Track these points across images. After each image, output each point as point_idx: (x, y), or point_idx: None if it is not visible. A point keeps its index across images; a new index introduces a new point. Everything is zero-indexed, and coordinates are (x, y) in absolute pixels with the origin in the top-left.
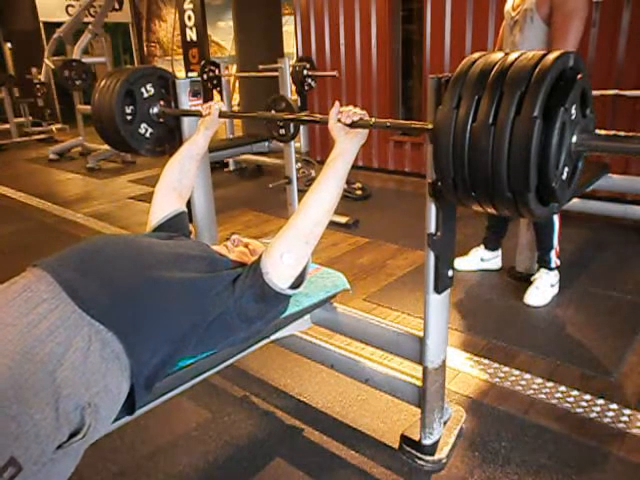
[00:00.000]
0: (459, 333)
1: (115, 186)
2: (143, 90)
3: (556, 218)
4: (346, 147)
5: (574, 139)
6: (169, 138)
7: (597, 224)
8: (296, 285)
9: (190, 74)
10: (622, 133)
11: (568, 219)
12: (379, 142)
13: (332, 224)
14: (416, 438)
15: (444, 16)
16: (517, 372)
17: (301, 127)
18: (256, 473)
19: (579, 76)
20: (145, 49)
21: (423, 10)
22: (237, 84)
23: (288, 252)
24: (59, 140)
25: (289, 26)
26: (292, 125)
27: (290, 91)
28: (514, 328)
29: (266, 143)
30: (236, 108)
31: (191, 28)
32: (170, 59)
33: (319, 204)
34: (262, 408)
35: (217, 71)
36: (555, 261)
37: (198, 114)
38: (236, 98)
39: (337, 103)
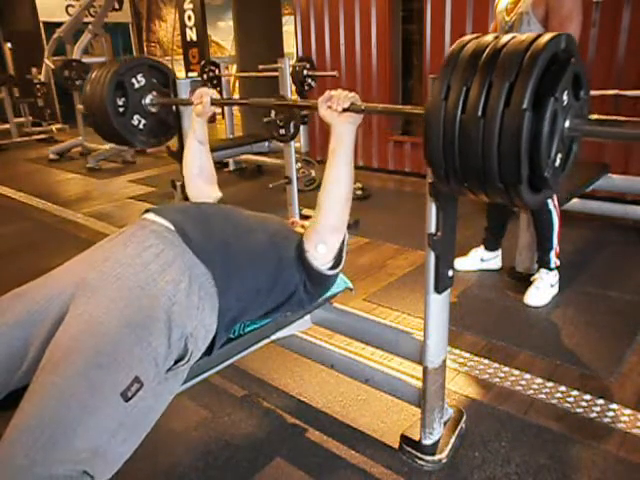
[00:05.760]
0: (459, 333)
1: (115, 186)
2: (134, 81)
3: (556, 218)
4: (342, 131)
5: (567, 124)
6: (163, 129)
7: (597, 224)
8: (334, 266)
9: (190, 74)
10: (618, 118)
11: (568, 219)
12: (379, 142)
13: None
14: (416, 438)
15: (444, 16)
16: (517, 372)
17: (301, 127)
18: (256, 473)
19: (572, 60)
20: (145, 49)
21: (423, 10)
22: (237, 84)
23: (322, 242)
24: (59, 140)
25: (289, 26)
26: (292, 125)
27: (290, 91)
28: (514, 328)
29: (266, 143)
30: (236, 108)
31: (191, 28)
32: (170, 59)
33: (336, 194)
34: (262, 408)
35: (217, 71)
36: (555, 261)
37: (189, 103)
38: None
39: (327, 91)
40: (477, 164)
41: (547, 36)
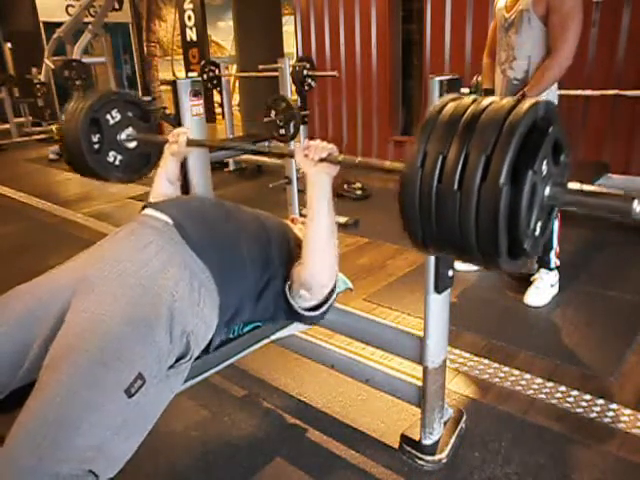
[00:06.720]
0: (459, 333)
1: (115, 186)
2: (109, 117)
3: (556, 219)
4: (317, 181)
5: (547, 192)
6: (141, 163)
7: (597, 224)
8: (313, 309)
9: (190, 74)
10: (595, 189)
11: (568, 219)
12: (379, 142)
13: None
14: (416, 438)
15: (444, 16)
16: (517, 372)
17: (301, 127)
18: (256, 473)
19: (550, 129)
20: (145, 49)
21: (423, 10)
22: (237, 84)
23: (304, 289)
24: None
25: (289, 26)
26: (292, 125)
27: (290, 91)
28: (514, 328)
29: (266, 143)
30: (236, 108)
31: (191, 28)
32: (170, 59)
33: (320, 245)
34: (262, 408)
35: (217, 71)
36: (555, 261)
37: (165, 141)
38: (236, 98)
39: (307, 140)
40: (454, 235)
41: (526, 104)
